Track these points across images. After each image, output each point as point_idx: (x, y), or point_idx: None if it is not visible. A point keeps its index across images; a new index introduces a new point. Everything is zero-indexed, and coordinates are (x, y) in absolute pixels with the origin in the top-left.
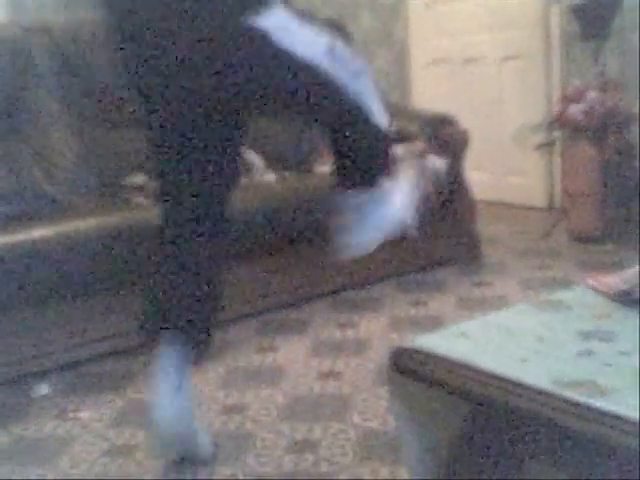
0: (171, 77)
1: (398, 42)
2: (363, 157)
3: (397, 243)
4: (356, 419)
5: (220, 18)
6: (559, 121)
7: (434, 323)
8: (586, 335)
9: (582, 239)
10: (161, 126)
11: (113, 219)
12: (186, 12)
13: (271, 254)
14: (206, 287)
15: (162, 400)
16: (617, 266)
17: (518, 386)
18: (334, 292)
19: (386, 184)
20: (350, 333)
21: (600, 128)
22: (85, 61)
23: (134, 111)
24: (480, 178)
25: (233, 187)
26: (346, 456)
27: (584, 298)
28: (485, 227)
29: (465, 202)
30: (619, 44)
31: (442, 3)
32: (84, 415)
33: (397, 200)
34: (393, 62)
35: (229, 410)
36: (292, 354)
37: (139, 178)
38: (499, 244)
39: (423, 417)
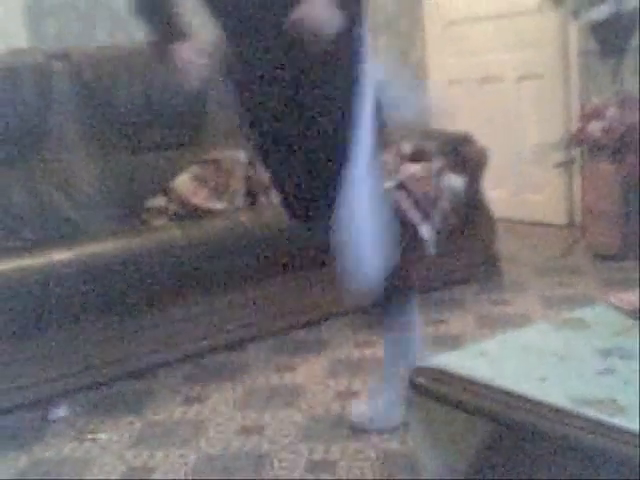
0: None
1: (415, 62)
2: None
3: (416, 261)
4: (374, 439)
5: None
6: (578, 138)
7: (454, 342)
8: (606, 353)
9: (602, 256)
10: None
11: (133, 242)
12: None
13: (289, 274)
14: None
15: None
16: (637, 283)
17: (538, 405)
18: (353, 311)
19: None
20: (368, 352)
21: (619, 145)
22: (105, 86)
23: (152, 135)
24: (499, 196)
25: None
26: (365, 477)
27: (604, 316)
28: (504, 245)
29: (484, 220)
30: (637, 61)
31: (459, 24)
32: (102, 437)
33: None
34: None
35: (247, 430)
36: (310, 374)
37: (159, 200)
38: (519, 262)
39: (442, 437)
